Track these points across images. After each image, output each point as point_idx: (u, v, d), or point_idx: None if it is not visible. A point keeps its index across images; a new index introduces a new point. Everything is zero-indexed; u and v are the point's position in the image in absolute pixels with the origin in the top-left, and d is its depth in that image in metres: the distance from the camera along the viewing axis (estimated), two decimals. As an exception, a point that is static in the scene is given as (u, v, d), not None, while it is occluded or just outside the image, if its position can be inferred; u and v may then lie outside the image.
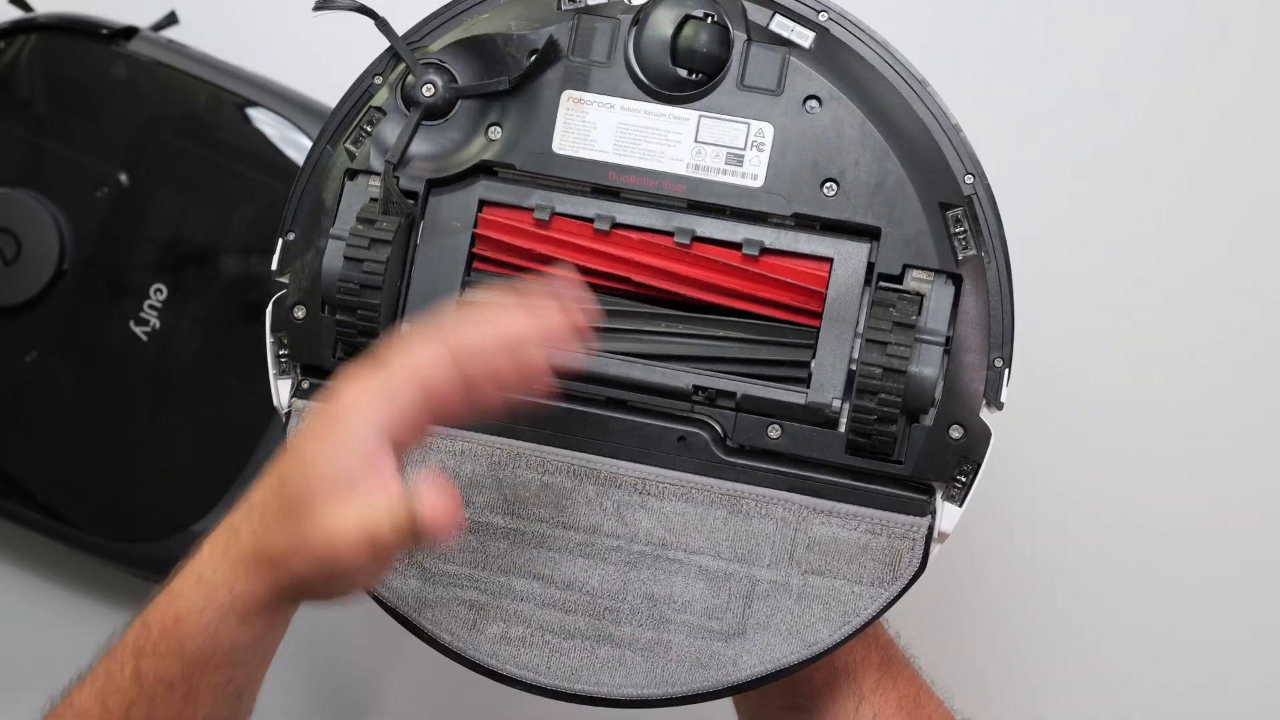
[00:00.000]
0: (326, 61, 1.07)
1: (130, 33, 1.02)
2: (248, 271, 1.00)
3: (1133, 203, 1.05)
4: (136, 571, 1.02)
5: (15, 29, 1.02)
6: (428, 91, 0.78)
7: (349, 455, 0.66)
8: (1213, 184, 1.04)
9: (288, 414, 0.78)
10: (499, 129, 0.78)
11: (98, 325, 1.00)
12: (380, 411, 0.66)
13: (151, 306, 1.00)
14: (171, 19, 1.06)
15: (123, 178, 1.00)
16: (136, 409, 1.00)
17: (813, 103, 0.76)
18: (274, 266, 0.79)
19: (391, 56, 0.79)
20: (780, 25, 0.77)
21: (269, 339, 0.79)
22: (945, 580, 0.77)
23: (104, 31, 1.01)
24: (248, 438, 0.99)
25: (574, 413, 0.77)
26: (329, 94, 1.02)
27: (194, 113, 1.00)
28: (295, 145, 1.00)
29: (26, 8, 1.05)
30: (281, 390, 0.79)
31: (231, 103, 1.00)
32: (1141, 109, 1.05)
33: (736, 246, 0.77)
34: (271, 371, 0.79)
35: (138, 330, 1.00)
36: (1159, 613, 1.05)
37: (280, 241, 0.79)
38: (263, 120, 1.00)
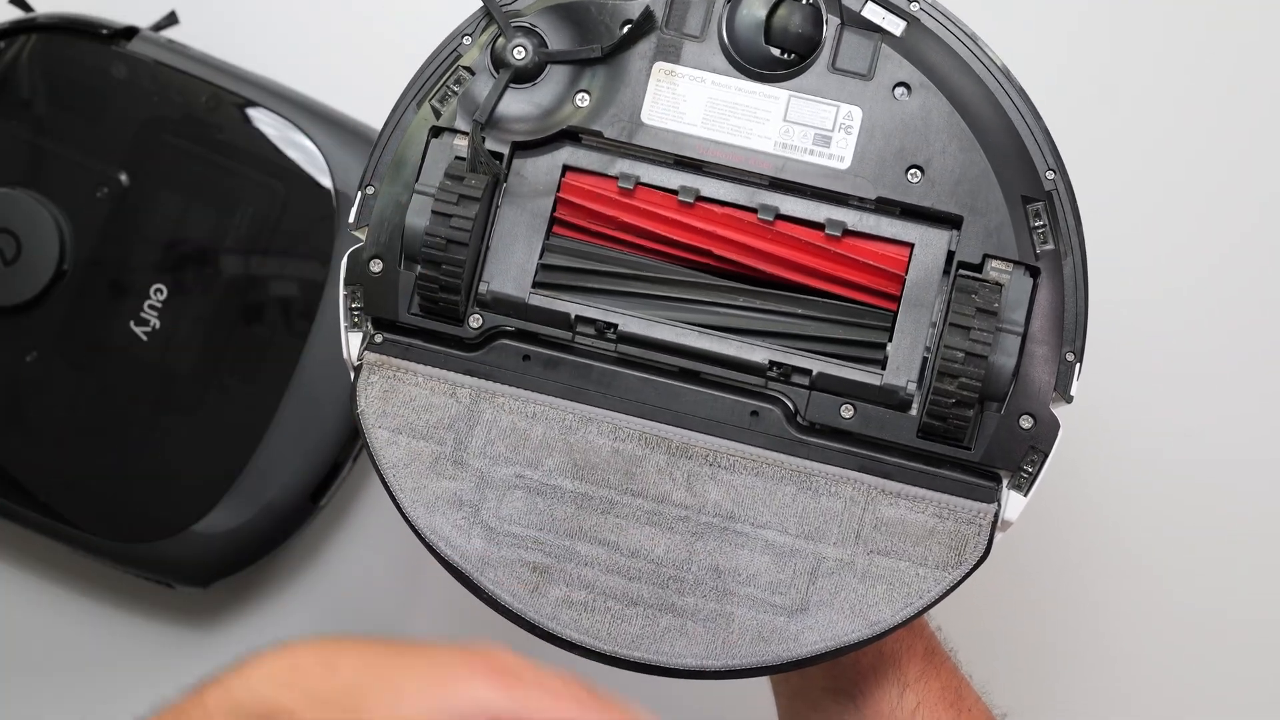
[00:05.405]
0: (326, 61, 1.08)
1: (130, 33, 1.01)
2: (248, 271, 1.00)
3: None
4: (137, 571, 1.02)
5: (15, 29, 1.01)
6: (518, 54, 0.78)
7: None
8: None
9: (358, 366, 0.78)
10: (587, 96, 0.78)
11: (98, 325, 0.99)
12: None
13: (151, 306, 0.99)
14: (171, 19, 1.06)
15: (123, 178, 1.00)
16: (137, 409, 0.99)
17: (901, 90, 0.77)
18: (351, 219, 0.78)
19: (484, 16, 0.79)
20: (872, 12, 0.78)
21: (342, 291, 0.78)
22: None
23: (104, 31, 1.01)
24: (248, 438, 0.99)
25: (648, 382, 0.77)
26: (329, 94, 1.03)
27: (194, 113, 1.00)
28: (295, 145, 1.00)
29: (26, 8, 1.05)
30: (352, 343, 0.79)
31: (231, 103, 1.00)
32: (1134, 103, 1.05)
33: (819, 226, 0.77)
34: (343, 324, 0.79)
35: (138, 330, 1.00)
36: (1171, 618, 1.05)
37: (359, 194, 0.79)
38: (263, 120, 1.00)
